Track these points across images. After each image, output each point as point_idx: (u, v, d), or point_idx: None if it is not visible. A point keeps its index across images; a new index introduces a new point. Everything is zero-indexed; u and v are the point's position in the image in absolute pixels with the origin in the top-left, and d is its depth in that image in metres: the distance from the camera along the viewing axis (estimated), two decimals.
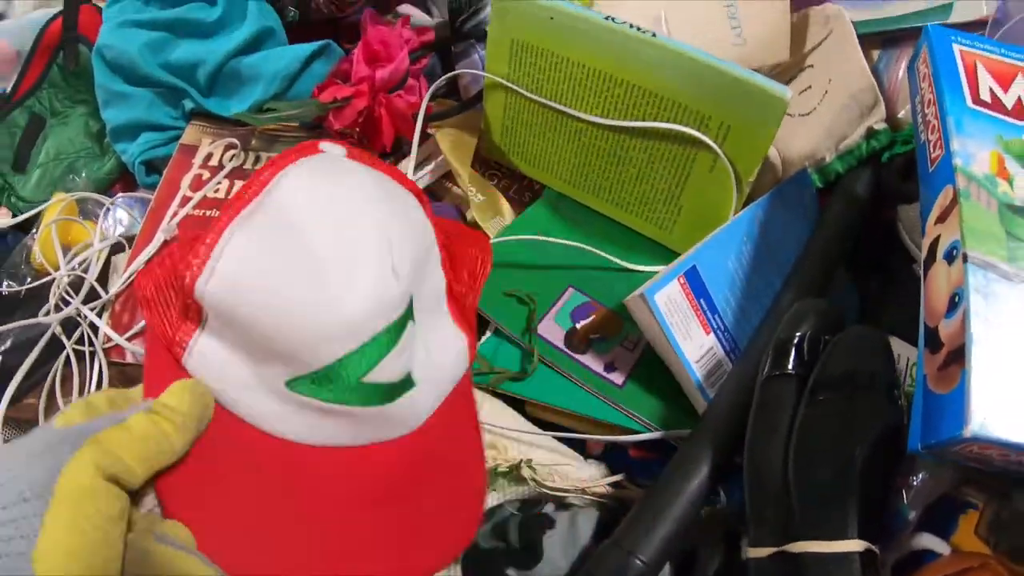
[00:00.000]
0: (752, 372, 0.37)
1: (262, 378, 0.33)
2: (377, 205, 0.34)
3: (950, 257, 0.34)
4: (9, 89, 0.65)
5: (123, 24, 0.57)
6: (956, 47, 0.42)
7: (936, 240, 0.36)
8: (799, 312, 0.37)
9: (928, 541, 0.38)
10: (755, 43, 0.53)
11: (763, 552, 0.34)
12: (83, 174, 0.62)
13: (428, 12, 0.62)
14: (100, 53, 0.58)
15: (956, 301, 0.32)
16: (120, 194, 0.58)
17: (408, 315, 0.34)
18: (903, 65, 0.52)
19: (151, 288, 0.37)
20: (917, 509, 0.38)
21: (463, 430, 0.39)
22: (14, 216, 0.63)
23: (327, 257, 0.32)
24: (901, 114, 0.50)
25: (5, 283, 0.57)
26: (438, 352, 0.37)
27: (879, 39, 0.53)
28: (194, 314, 0.34)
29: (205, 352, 0.34)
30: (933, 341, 0.33)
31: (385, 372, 0.33)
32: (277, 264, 0.32)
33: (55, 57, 0.64)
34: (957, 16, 0.51)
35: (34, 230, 0.57)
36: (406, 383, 0.35)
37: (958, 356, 0.31)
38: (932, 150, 0.40)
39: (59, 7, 0.66)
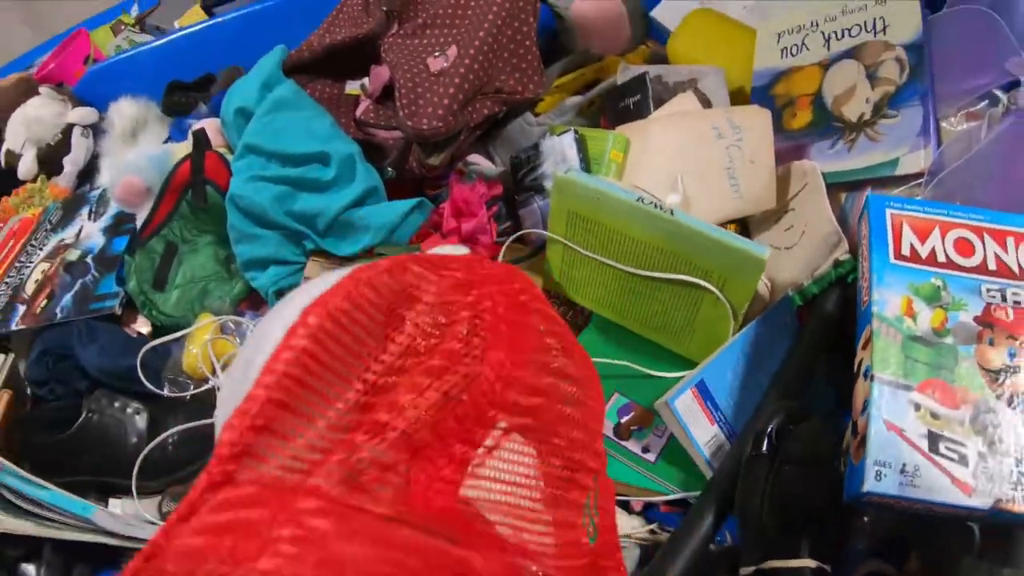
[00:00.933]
0: (742, 453, 0.73)
1: None
2: None
3: (865, 375, 0.70)
4: (143, 220, 1.02)
5: (253, 178, 0.94)
6: (888, 212, 0.76)
7: (860, 362, 0.72)
8: (771, 411, 0.73)
9: (877, 564, 0.73)
10: (749, 195, 0.89)
11: (749, 570, 0.70)
12: (216, 295, 0.98)
13: (492, 160, 0.99)
14: (233, 201, 0.95)
15: (866, 405, 0.68)
16: (252, 314, 0.95)
17: None
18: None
19: None
20: (864, 542, 0.73)
21: None
22: (154, 326, 1.00)
23: None
24: None
25: (168, 388, 0.93)
26: None
27: (846, 185, 0.89)
28: None
29: None
30: (854, 429, 0.69)
31: None
32: None
33: (184, 195, 1.01)
34: (902, 169, 0.86)
35: (189, 345, 0.94)
36: None
37: (864, 441, 0.66)
38: (863, 295, 0.75)
39: (171, 141, 1.04)
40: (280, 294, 0.95)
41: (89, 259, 1.09)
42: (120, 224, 1.10)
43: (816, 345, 0.82)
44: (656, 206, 0.80)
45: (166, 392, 0.92)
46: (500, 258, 0.89)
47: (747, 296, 0.80)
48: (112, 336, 0.98)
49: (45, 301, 1.07)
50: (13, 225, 1.27)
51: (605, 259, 0.84)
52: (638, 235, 0.81)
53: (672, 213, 0.80)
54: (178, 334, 0.95)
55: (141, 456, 0.87)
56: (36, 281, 1.12)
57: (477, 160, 0.99)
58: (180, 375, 0.93)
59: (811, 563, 0.67)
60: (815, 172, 0.88)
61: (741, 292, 0.79)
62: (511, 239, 0.89)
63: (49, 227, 1.21)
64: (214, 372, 0.89)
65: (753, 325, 0.82)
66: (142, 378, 0.90)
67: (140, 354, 0.92)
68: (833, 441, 0.72)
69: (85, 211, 1.17)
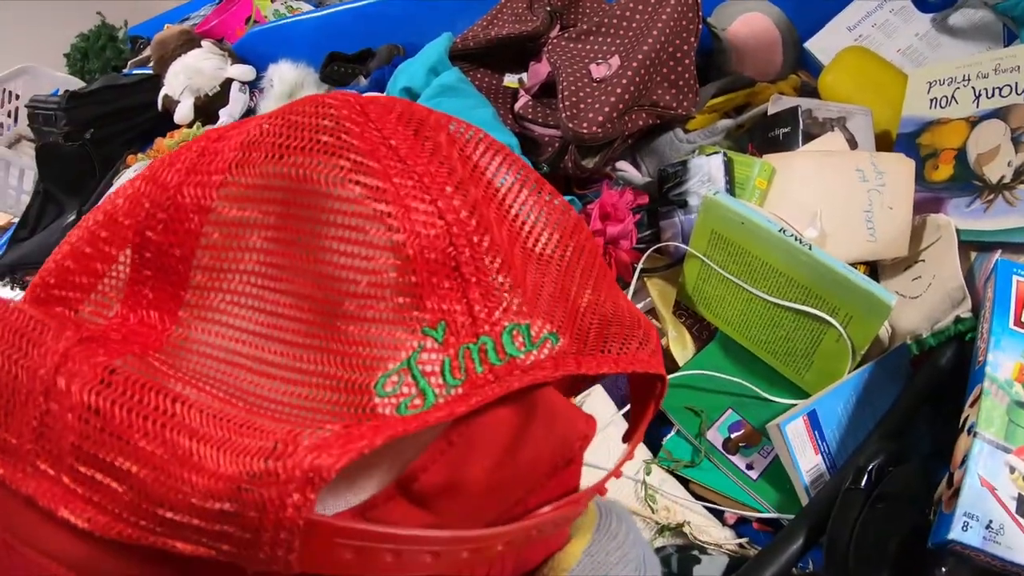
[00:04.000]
0: (840, 485, 0.81)
1: None
2: None
3: (969, 431, 0.77)
4: None
5: None
6: (1015, 278, 0.84)
7: (966, 418, 0.79)
8: (874, 450, 0.81)
9: None
10: (883, 240, 0.96)
11: None
12: None
13: (638, 168, 1.08)
14: None
15: (965, 459, 0.75)
16: None
17: None
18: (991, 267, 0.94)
19: None
20: None
21: None
22: None
23: None
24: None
25: None
26: None
27: (977, 245, 0.95)
28: None
29: None
30: (950, 480, 0.76)
31: None
32: None
33: None
34: None
35: None
36: None
37: (958, 492, 0.74)
38: (980, 355, 0.82)
39: None
40: None
41: None
42: None
43: (924, 395, 0.90)
44: (796, 239, 0.88)
45: None
46: (640, 265, 0.98)
47: (869, 338, 0.87)
48: None
49: None
50: None
51: (739, 281, 0.93)
52: (774, 263, 0.89)
53: (810, 248, 0.88)
54: None
55: None
56: None
57: (625, 168, 1.08)
58: None
59: None
60: (949, 227, 0.94)
61: (864, 333, 0.87)
62: (652, 249, 0.98)
63: None
64: None
65: (869, 367, 0.89)
66: None
67: None
68: (927, 488, 0.79)
69: None
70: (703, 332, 1.01)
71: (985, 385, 0.76)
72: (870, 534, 0.77)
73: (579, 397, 0.94)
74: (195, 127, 1.49)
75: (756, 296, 0.92)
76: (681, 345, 0.97)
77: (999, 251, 0.93)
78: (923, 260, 0.97)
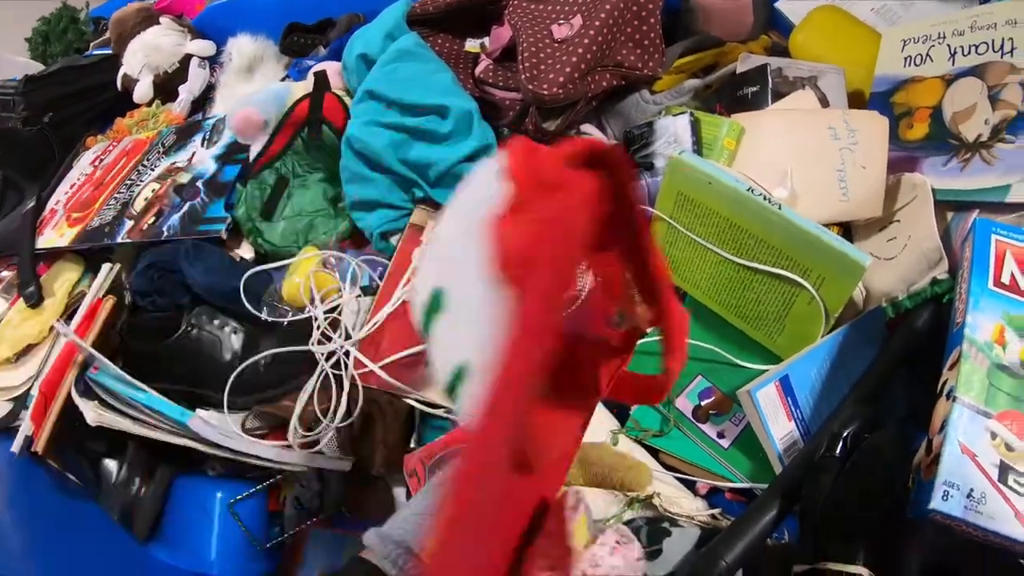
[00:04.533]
0: (814, 452, 0.76)
1: None
2: None
3: (948, 396, 0.72)
4: (258, 151, 1.08)
5: (371, 123, 0.99)
6: (994, 237, 0.79)
7: (944, 382, 0.74)
8: (848, 415, 0.76)
9: None
10: (857, 200, 0.90)
11: (802, 568, 0.73)
12: (321, 230, 1.04)
13: (603, 131, 1.02)
14: (349, 143, 1.00)
15: (944, 425, 0.70)
16: (361, 256, 1.00)
17: None
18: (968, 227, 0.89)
19: None
20: (916, 563, 0.76)
21: None
22: (257, 254, 1.06)
23: None
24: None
25: (266, 312, 0.99)
26: None
27: (954, 204, 0.90)
28: None
29: None
30: (928, 447, 0.71)
31: None
32: None
33: (300, 131, 1.07)
34: (1013, 196, 0.86)
35: (292, 275, 1.00)
36: None
37: (937, 460, 0.69)
38: (957, 316, 0.77)
39: (288, 79, 1.09)
40: (385, 236, 1.00)
41: (200, 183, 1.16)
42: (232, 153, 1.17)
43: (900, 358, 0.84)
44: (766, 199, 0.83)
45: (264, 316, 0.98)
46: None
47: (842, 299, 0.82)
48: (218, 258, 1.05)
49: (153, 219, 1.15)
50: (126, 145, 1.35)
51: (708, 243, 0.87)
52: (743, 224, 0.84)
53: (780, 208, 0.82)
54: (283, 262, 1.01)
55: (235, 373, 0.93)
56: (145, 199, 1.19)
57: (590, 130, 1.02)
58: (278, 302, 0.99)
59: (864, 572, 0.70)
60: (925, 186, 0.89)
61: (837, 295, 0.82)
62: None
63: (162, 150, 1.28)
64: (312, 302, 0.95)
65: (843, 330, 0.84)
66: (243, 300, 0.97)
67: (244, 277, 0.98)
68: (903, 455, 0.74)
69: (198, 138, 1.24)
70: None
71: (964, 348, 0.71)
72: (845, 504, 0.72)
73: None
74: (155, 105, 1.42)
75: (725, 259, 0.87)
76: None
77: (976, 211, 0.88)
78: (898, 220, 0.91)
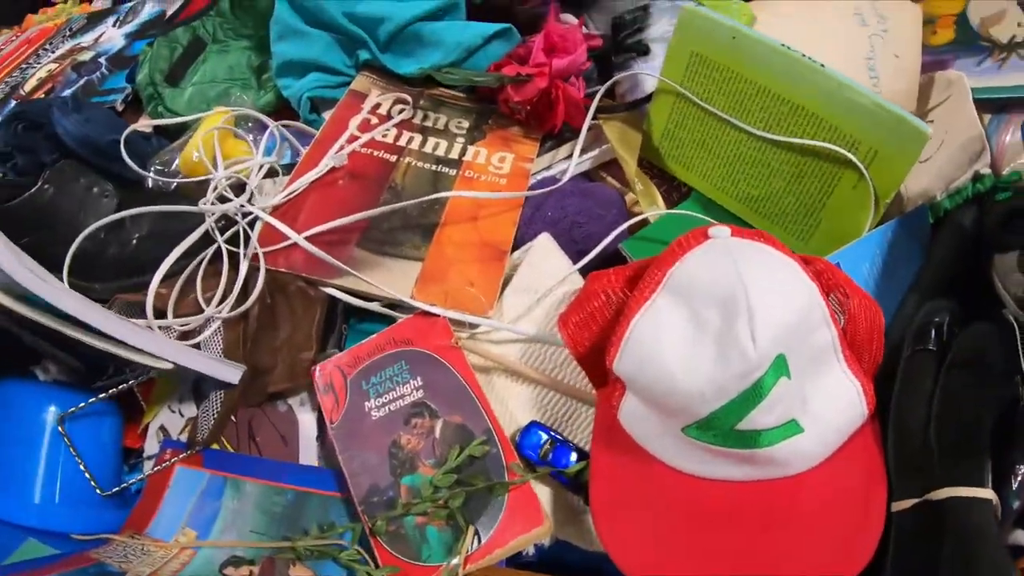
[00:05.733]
0: (896, 352, 0.49)
1: (666, 426, 0.45)
2: (754, 278, 0.43)
3: None
4: (175, 8, 0.76)
5: None
6: None
7: None
8: (936, 304, 0.49)
9: (1021, 537, 0.48)
10: (889, 91, 0.66)
11: (906, 504, 0.44)
12: (245, 100, 0.72)
13: (586, 25, 0.76)
14: None
15: None
16: (281, 121, 0.69)
17: (777, 373, 0.42)
18: (1010, 130, 0.66)
19: (584, 350, 0.49)
20: (1020, 500, 0.49)
21: (853, 477, 0.46)
22: (157, 130, 0.73)
23: (697, 334, 0.43)
24: (1005, 172, 0.64)
25: (152, 175, 0.65)
26: (823, 400, 0.45)
27: (991, 105, 0.68)
28: (618, 380, 0.46)
29: (630, 408, 0.46)
30: None
31: (756, 422, 0.43)
32: (664, 346, 0.44)
33: None
34: None
35: (189, 132, 0.67)
36: (789, 429, 0.44)
37: None
38: None
39: None
40: (314, 102, 0.69)
41: (103, 59, 0.83)
42: (147, 30, 0.84)
43: (952, 260, 0.59)
44: (804, 55, 0.57)
45: (150, 180, 0.65)
46: (592, 109, 0.64)
47: (896, 180, 0.57)
48: (102, 112, 0.72)
49: (42, 96, 0.81)
50: (31, 33, 1.00)
51: (727, 115, 0.60)
52: (775, 88, 0.58)
53: (823, 66, 0.57)
54: (164, 121, 0.69)
55: (78, 240, 0.59)
56: (39, 79, 0.85)
57: (568, 19, 0.76)
58: (172, 167, 0.66)
59: (992, 495, 0.43)
60: (962, 81, 0.67)
61: (890, 174, 0.57)
62: (604, 88, 0.66)
63: (68, 34, 0.94)
64: (215, 165, 0.63)
65: (892, 224, 0.59)
66: (124, 155, 0.63)
67: (127, 130, 0.65)
68: (1009, 351, 0.48)
69: (111, 20, 0.91)
70: (671, 195, 0.68)
71: None
72: (953, 406, 0.45)
73: (521, 250, 0.59)
74: (70, 2, 1.08)
75: (749, 136, 0.60)
76: (650, 200, 0.64)
77: (1016, 110, 0.66)
78: (931, 121, 0.68)
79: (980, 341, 0.48)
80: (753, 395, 0.42)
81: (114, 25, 0.89)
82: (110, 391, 0.58)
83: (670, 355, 0.44)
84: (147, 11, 0.86)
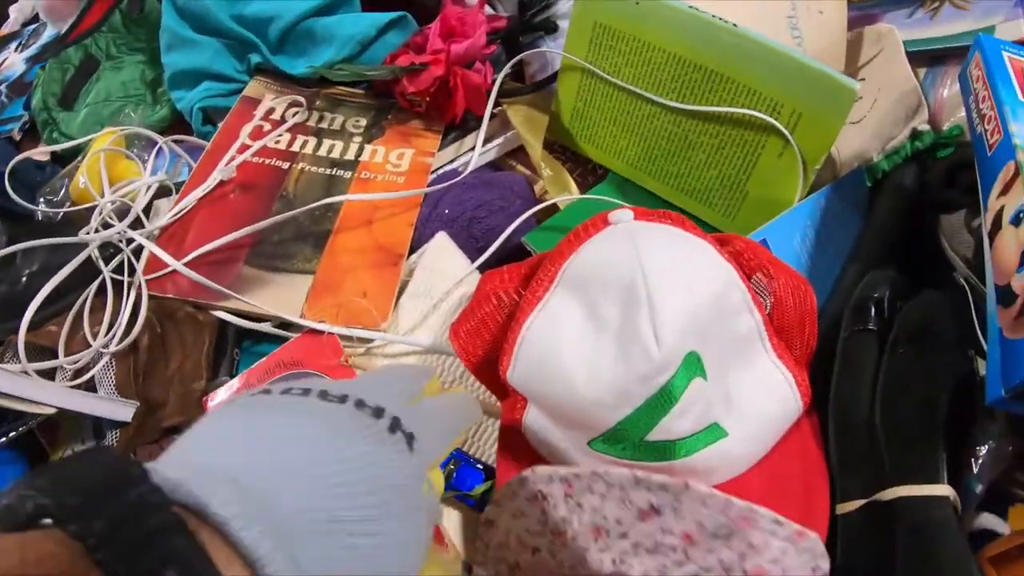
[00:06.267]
0: (832, 333, 0.40)
1: (572, 440, 0.37)
2: (656, 264, 0.35)
3: (1016, 220, 0.39)
4: (67, 28, 0.68)
5: None
6: (1005, 54, 0.49)
7: (1000, 211, 0.41)
8: (876, 277, 0.41)
9: (988, 521, 0.40)
10: (814, 54, 0.58)
11: (852, 506, 0.36)
12: (133, 118, 0.64)
13: (492, 6, 0.68)
14: None
15: None
16: (172, 136, 0.61)
17: (689, 373, 0.34)
18: (947, 83, 0.58)
19: (476, 360, 0.41)
20: (983, 483, 0.41)
21: (788, 480, 0.37)
22: (54, 156, 0.65)
23: (596, 332, 0.35)
24: (945, 127, 0.56)
25: (41, 207, 0.58)
26: (749, 397, 0.37)
27: (926, 57, 0.60)
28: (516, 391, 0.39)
29: (533, 420, 0.38)
30: (1006, 297, 0.37)
31: (670, 430, 0.34)
32: (561, 349, 0.36)
33: (119, 2, 0.67)
34: (999, 36, 0.58)
35: (80, 157, 0.59)
36: (711, 434, 0.35)
37: None
38: (990, 137, 0.45)
39: None
40: (208, 112, 0.61)
41: (3, 87, 0.74)
42: (46, 52, 0.76)
43: (894, 220, 0.51)
44: (715, 16, 0.49)
45: (38, 209, 0.57)
46: (493, 94, 0.56)
47: (826, 143, 0.49)
48: None
49: None
50: None
51: (637, 88, 0.52)
52: (686, 54, 0.50)
53: (735, 26, 0.49)
54: (61, 146, 0.60)
55: None
56: None
57: (471, 1, 0.67)
58: (61, 195, 0.58)
59: (950, 491, 0.35)
60: (893, 34, 0.59)
61: (819, 137, 0.48)
62: (507, 67, 0.57)
63: None
64: (102, 193, 0.54)
65: (824, 191, 0.51)
66: (7, 187, 0.55)
67: (12, 161, 0.57)
68: (959, 323, 0.40)
69: (14, 45, 0.83)
70: (587, 177, 0.60)
71: (1020, 158, 0.41)
72: (900, 389, 0.37)
73: (418, 252, 0.50)
74: None
75: (663, 108, 0.52)
76: (561, 187, 0.55)
77: (951, 62, 0.58)
78: (862, 79, 0.59)
79: (928, 310, 0.40)
80: (662, 400, 0.34)
81: (16, 50, 0.80)
82: (8, 435, 0.50)
83: (568, 359, 0.36)
84: (47, 33, 0.78)
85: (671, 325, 0.34)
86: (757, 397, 0.37)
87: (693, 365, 0.35)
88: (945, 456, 0.35)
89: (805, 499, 0.37)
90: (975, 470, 0.40)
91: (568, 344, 0.36)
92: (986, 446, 0.40)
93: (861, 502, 0.36)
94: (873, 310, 0.39)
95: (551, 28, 0.61)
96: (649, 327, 0.34)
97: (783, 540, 0.32)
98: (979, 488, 0.40)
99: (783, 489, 0.37)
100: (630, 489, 0.33)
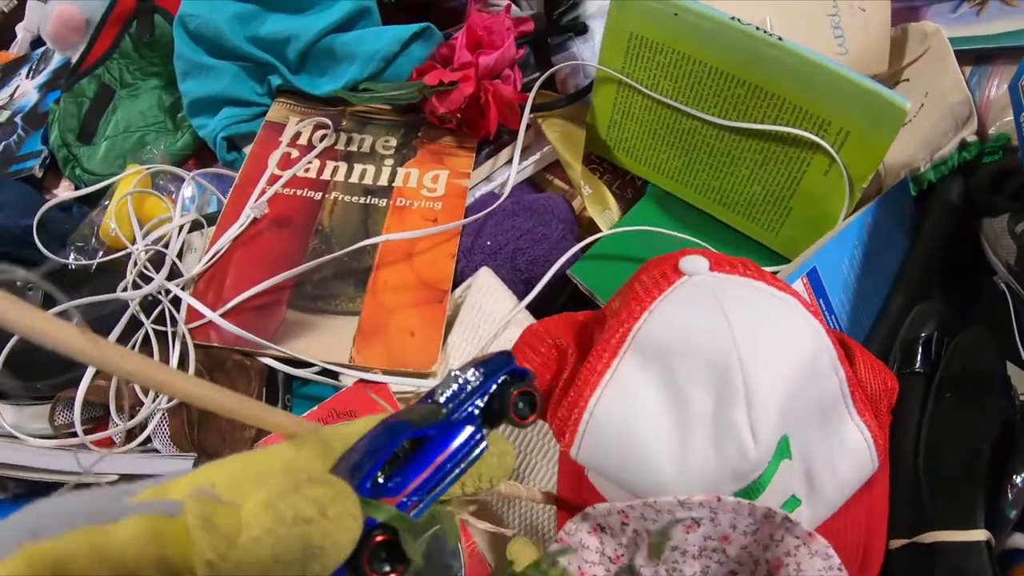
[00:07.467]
0: None
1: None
2: (750, 338, 0.32)
3: None
4: (77, 58, 0.65)
5: None
6: None
7: None
8: (922, 314, 0.40)
9: (1018, 541, 0.41)
10: (857, 53, 0.56)
11: (898, 543, 0.37)
12: (155, 149, 0.62)
13: (518, 4, 0.64)
14: (183, 22, 0.59)
15: None
16: (198, 170, 0.59)
17: (778, 459, 0.33)
18: (994, 83, 0.55)
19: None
20: (1018, 508, 0.41)
21: (850, 534, 0.37)
22: (77, 188, 0.63)
23: (681, 416, 0.33)
24: (992, 130, 0.54)
25: (72, 256, 0.57)
26: (830, 470, 0.35)
27: (972, 56, 0.57)
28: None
29: (596, 479, 0.37)
30: None
31: None
32: (641, 434, 0.33)
33: (128, 26, 0.65)
34: None
35: (105, 202, 0.57)
36: (786, 505, 0.34)
37: None
38: None
39: None
40: (230, 141, 0.59)
41: (18, 118, 0.72)
42: (58, 79, 0.73)
43: (941, 241, 0.50)
44: (758, 28, 0.46)
45: (71, 262, 0.56)
46: (528, 106, 0.54)
47: (873, 163, 0.47)
48: (19, 194, 0.62)
49: None
50: None
51: (676, 102, 0.50)
52: (729, 69, 0.48)
53: (781, 40, 0.46)
54: (87, 190, 0.59)
55: (9, 344, 0.50)
56: None
57: (498, 2, 0.64)
58: (91, 243, 0.57)
59: (985, 535, 0.35)
60: (939, 34, 0.56)
61: (866, 157, 0.47)
62: (542, 78, 0.55)
63: None
64: (133, 239, 0.53)
65: (869, 208, 0.49)
66: (36, 241, 0.54)
67: (40, 212, 0.56)
68: (1003, 360, 0.39)
69: (24, 70, 0.80)
70: (626, 190, 0.58)
71: None
72: (945, 436, 0.36)
73: (463, 287, 0.49)
74: None
75: (703, 123, 0.50)
76: (601, 205, 0.54)
77: (999, 61, 0.55)
78: (907, 79, 0.57)
79: (973, 351, 0.39)
80: (750, 492, 0.33)
81: (28, 76, 0.78)
82: None
83: (652, 449, 0.33)
84: (57, 58, 0.75)
85: (767, 417, 0.32)
86: (835, 466, 0.36)
87: (783, 451, 0.34)
88: (983, 502, 0.35)
89: (862, 562, 0.36)
90: (1011, 497, 0.40)
91: (649, 430, 0.33)
92: (1022, 476, 0.40)
93: (904, 541, 0.36)
94: (920, 352, 0.39)
95: (581, 29, 0.58)
96: (746, 421, 0.32)
97: (796, 538, 0.32)
98: (1013, 514, 0.40)
99: (839, 545, 0.36)
100: (676, 511, 0.33)
